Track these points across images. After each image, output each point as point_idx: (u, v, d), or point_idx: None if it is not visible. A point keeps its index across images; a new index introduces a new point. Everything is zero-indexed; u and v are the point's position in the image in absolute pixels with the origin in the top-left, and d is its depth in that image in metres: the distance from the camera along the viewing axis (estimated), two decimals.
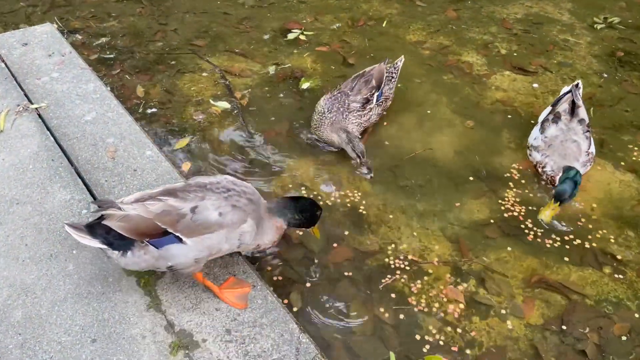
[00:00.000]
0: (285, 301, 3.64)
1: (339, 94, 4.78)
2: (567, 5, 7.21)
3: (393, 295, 3.73)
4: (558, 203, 4.10)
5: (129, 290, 3.48)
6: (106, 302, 3.40)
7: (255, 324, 3.33)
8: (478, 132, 5.11)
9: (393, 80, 5.15)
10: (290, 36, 6.37)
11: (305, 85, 5.60)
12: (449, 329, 3.56)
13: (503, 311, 3.67)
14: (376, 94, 4.88)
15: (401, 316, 3.61)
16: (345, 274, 3.86)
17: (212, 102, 5.32)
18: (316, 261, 3.93)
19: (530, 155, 4.67)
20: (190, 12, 6.78)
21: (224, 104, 5.27)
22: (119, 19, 6.63)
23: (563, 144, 4.48)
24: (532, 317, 3.65)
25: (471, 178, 4.63)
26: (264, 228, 3.40)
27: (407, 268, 3.91)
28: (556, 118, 4.61)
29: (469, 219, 4.30)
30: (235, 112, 5.24)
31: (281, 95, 5.52)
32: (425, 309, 3.66)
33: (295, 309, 3.61)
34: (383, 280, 3.82)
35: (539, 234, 4.15)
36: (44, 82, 5.23)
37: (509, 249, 4.05)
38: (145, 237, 3.09)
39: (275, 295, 3.52)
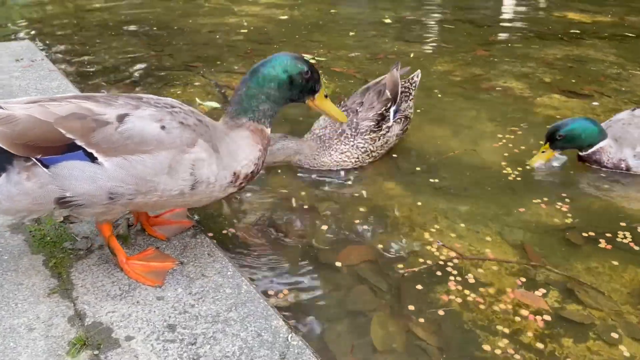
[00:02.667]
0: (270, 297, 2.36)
1: (345, 111, 3.59)
2: (611, 50, 6.44)
3: (434, 303, 2.44)
4: (548, 144, 3.50)
5: (29, 270, 2.26)
6: None
7: (218, 319, 2.05)
8: (531, 140, 4.03)
9: (411, 97, 3.96)
10: None
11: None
12: (527, 351, 2.22)
13: (612, 332, 2.33)
14: (392, 109, 3.69)
15: (448, 330, 2.30)
16: (363, 276, 2.60)
17: (199, 101, 4.36)
18: (322, 261, 2.69)
19: None
20: (190, 44, 6.11)
21: (213, 104, 4.31)
22: (109, 45, 5.95)
23: (624, 127, 3.57)
24: None
25: (531, 180, 3.49)
26: (229, 147, 2.20)
27: (452, 268, 2.66)
28: (637, 107, 3.65)
29: (536, 222, 3.08)
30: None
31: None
32: (485, 323, 2.35)
33: (289, 320, 2.31)
34: (401, 270, 2.58)
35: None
36: (1, 79, 4.37)
37: (606, 259, 2.79)
38: (34, 152, 1.92)
39: (253, 285, 2.26)
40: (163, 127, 2.01)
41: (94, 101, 2.04)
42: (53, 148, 1.92)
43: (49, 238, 2.46)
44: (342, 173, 3.49)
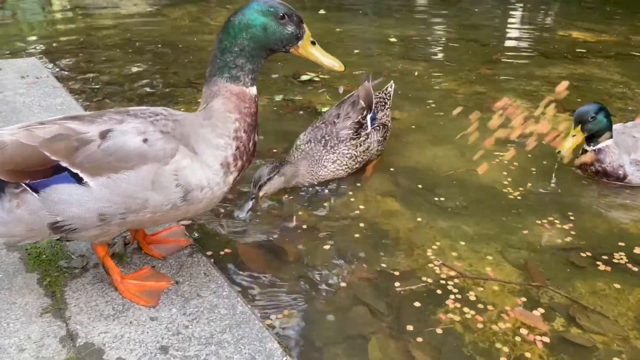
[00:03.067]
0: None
1: (322, 124, 3.68)
2: (616, 69, 6.42)
3: (434, 324, 2.39)
4: (579, 127, 3.46)
5: (23, 289, 2.24)
6: None
7: (212, 340, 2.01)
8: (535, 159, 3.99)
9: (387, 106, 4.03)
10: (304, 77, 5.59)
11: (325, 109, 4.70)
12: None
13: (616, 357, 2.28)
14: (369, 117, 3.76)
15: (448, 351, 2.25)
16: (362, 296, 2.56)
17: None
18: (320, 282, 2.65)
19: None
20: (195, 61, 6.14)
21: None
22: (115, 62, 5.99)
23: (618, 135, 3.66)
24: None
25: (533, 200, 3.45)
26: (205, 138, 2.04)
27: (453, 287, 2.62)
28: (632, 122, 3.85)
29: (538, 242, 3.03)
30: None
31: (289, 119, 4.58)
32: (485, 344, 2.29)
33: (285, 343, 2.27)
34: (399, 287, 2.55)
35: None
36: (6, 95, 4.40)
37: (611, 282, 2.74)
38: (22, 178, 1.91)
39: (248, 306, 2.22)
40: (145, 140, 1.96)
41: (79, 120, 2.01)
42: (40, 172, 1.90)
43: (44, 256, 2.44)
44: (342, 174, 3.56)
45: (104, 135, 1.94)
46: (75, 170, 1.90)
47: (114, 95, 4.97)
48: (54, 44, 6.76)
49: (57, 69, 5.69)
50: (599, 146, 3.56)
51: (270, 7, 2.04)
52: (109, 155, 1.91)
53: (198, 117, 2.09)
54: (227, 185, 2.12)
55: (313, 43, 2.14)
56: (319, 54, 2.15)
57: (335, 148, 3.53)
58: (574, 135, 3.51)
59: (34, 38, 7.20)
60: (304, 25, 2.12)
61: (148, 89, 5.20)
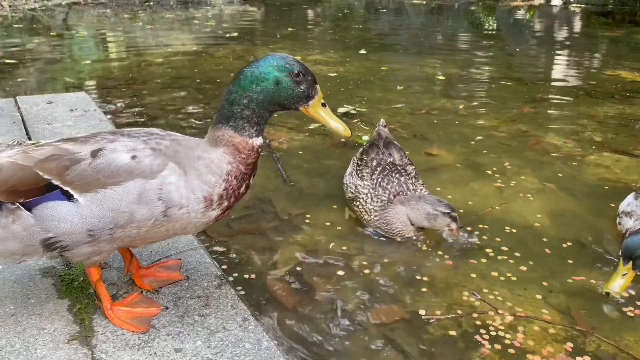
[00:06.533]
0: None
1: (387, 166, 3.44)
2: None
3: None
4: (630, 264, 2.75)
5: (53, 315, 2.25)
6: (11, 326, 2.18)
7: None
8: (582, 202, 3.84)
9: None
10: (341, 110, 5.61)
11: (366, 137, 4.71)
12: None
13: None
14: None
15: None
16: (394, 338, 2.46)
17: None
18: (351, 320, 2.57)
19: (619, 223, 3.31)
20: None
21: None
22: (160, 98, 6.17)
23: None
24: None
25: (579, 244, 3.29)
26: (199, 170, 2.02)
27: (490, 329, 2.50)
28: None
29: (583, 287, 2.88)
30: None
31: (327, 152, 4.59)
32: None
33: None
34: (433, 329, 2.41)
35: None
36: (54, 127, 4.57)
37: None
38: (17, 197, 1.95)
39: (274, 341, 2.16)
40: (134, 157, 1.99)
41: (73, 141, 2.06)
42: (33, 190, 1.95)
43: (77, 283, 2.46)
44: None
45: (94, 154, 1.98)
46: (65, 188, 1.94)
47: (156, 127, 5.09)
48: (104, 80, 7.05)
49: (105, 104, 5.90)
50: None
51: (286, 64, 2.02)
52: (98, 172, 1.95)
53: (198, 147, 2.08)
54: (207, 219, 2.10)
55: (323, 105, 2.11)
56: (327, 116, 2.12)
57: (418, 189, 3.41)
58: (624, 274, 2.79)
59: (86, 74, 7.53)
60: (317, 86, 2.08)
61: (189, 123, 5.31)
